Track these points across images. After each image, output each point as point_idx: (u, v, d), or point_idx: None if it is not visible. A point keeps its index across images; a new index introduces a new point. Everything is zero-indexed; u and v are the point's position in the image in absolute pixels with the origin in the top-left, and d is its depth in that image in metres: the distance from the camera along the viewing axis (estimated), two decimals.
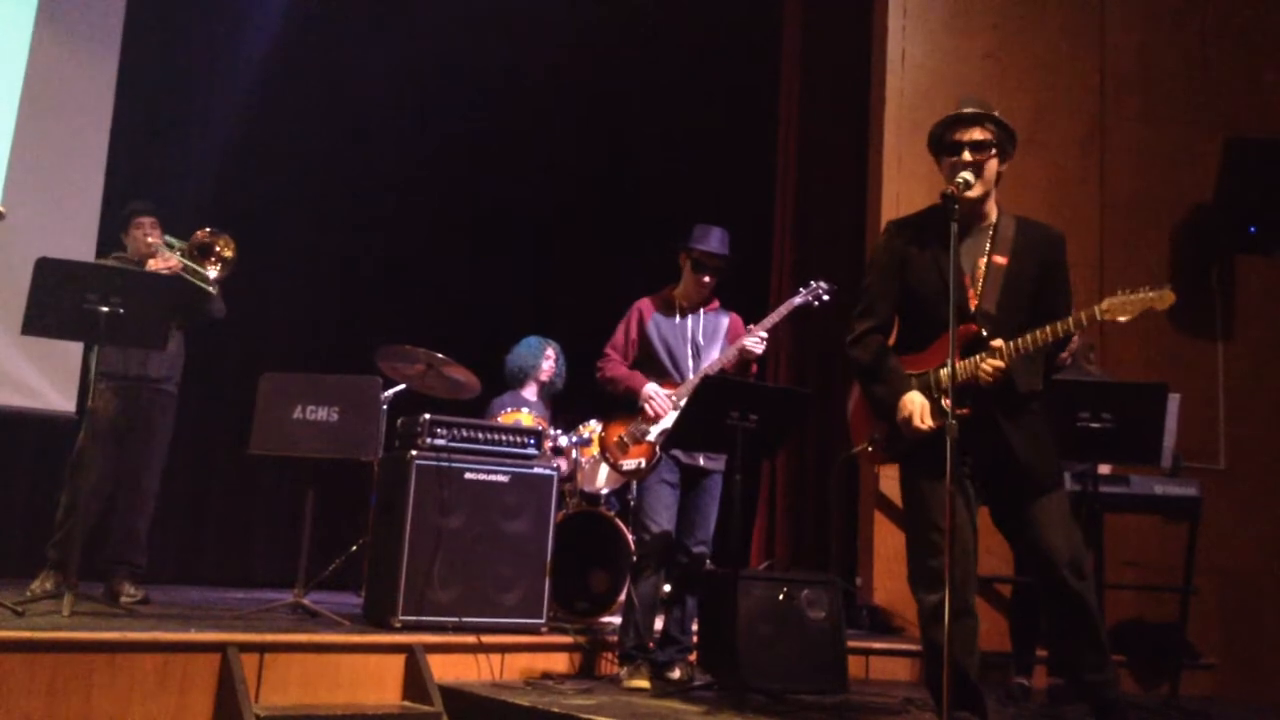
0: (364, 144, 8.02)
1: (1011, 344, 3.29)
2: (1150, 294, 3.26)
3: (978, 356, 3.30)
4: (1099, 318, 3.26)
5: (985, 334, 3.33)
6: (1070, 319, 3.26)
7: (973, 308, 3.37)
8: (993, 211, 3.48)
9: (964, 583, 3.27)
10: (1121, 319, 3.26)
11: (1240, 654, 5.91)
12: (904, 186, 6.48)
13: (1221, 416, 6.31)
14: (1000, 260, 3.40)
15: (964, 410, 3.22)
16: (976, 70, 6.63)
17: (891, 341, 3.59)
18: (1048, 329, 3.26)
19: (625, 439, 4.69)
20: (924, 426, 3.31)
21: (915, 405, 3.35)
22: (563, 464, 5.94)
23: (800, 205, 7.54)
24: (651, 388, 4.63)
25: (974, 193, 3.36)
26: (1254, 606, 6.06)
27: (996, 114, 3.42)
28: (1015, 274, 3.40)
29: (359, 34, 7.98)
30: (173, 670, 3.81)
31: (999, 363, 3.27)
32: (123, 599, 5.00)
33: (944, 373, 3.31)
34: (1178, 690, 4.85)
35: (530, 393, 6.48)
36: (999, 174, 3.45)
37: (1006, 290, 3.38)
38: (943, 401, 3.31)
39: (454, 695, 4.19)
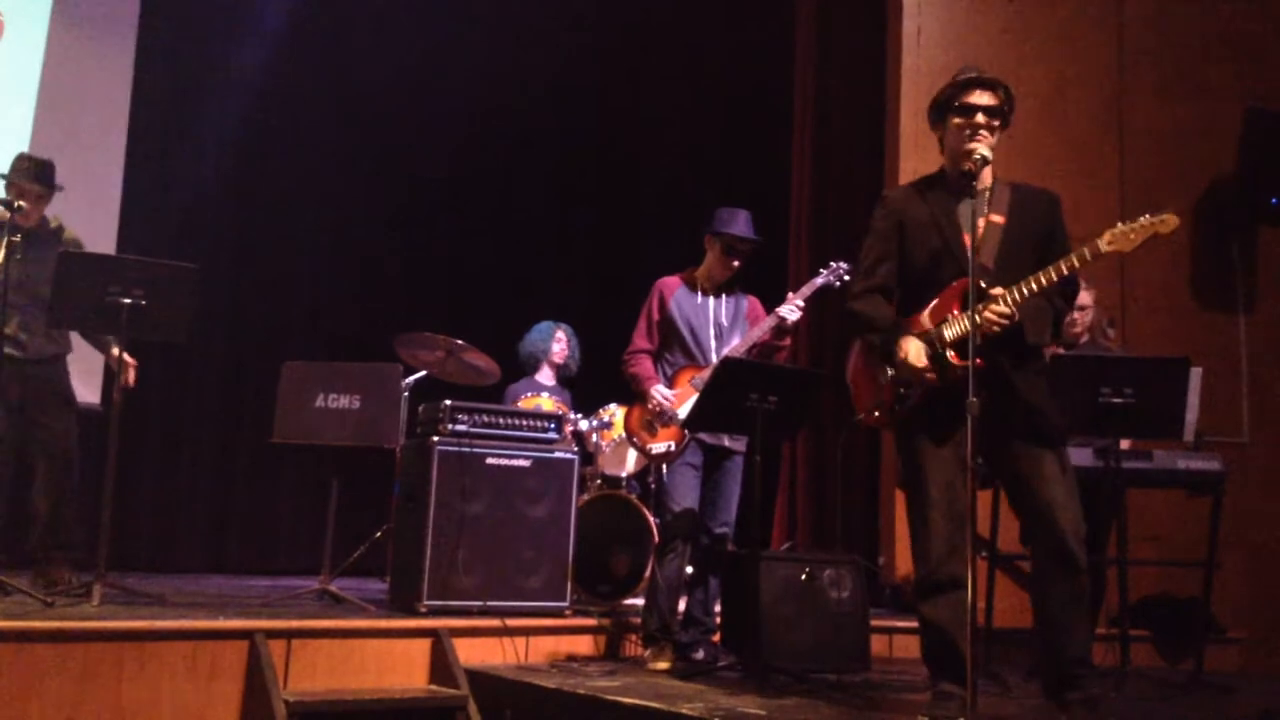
0: (381, 132, 8.04)
1: (1015, 289, 3.30)
2: (1151, 219, 3.21)
3: (979, 307, 3.31)
4: (1102, 250, 3.24)
5: (984, 285, 3.33)
6: (1073, 255, 3.26)
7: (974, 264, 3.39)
8: (988, 178, 3.51)
9: (954, 554, 3.28)
10: (1125, 250, 3.23)
11: (1266, 627, 5.88)
12: (921, 164, 6.42)
13: (1244, 390, 6.26)
14: (997, 219, 3.46)
15: (978, 362, 3.22)
16: (993, 46, 6.58)
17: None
18: (1050, 269, 3.28)
19: (653, 423, 4.70)
20: (920, 365, 3.36)
21: (911, 345, 3.40)
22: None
23: (817, 186, 7.50)
24: (656, 389, 4.66)
25: (983, 151, 3.40)
26: (1279, 579, 6.03)
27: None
28: (1013, 232, 3.45)
29: (376, 24, 7.99)
30: (201, 658, 3.85)
31: (1004, 309, 3.28)
32: (60, 587, 4.67)
33: (945, 329, 3.38)
34: (1203, 665, 4.82)
35: (546, 377, 6.50)
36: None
37: (1004, 246, 3.43)
38: (948, 355, 3.35)
39: (480, 678, 4.22)
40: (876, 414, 3.58)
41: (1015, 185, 3.56)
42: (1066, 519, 3.31)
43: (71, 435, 5.02)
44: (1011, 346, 3.37)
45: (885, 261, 3.58)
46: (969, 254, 3.31)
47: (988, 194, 3.49)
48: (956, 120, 3.47)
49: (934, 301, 3.46)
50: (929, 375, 3.37)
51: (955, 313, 3.40)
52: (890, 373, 3.50)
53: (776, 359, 4.75)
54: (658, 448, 4.70)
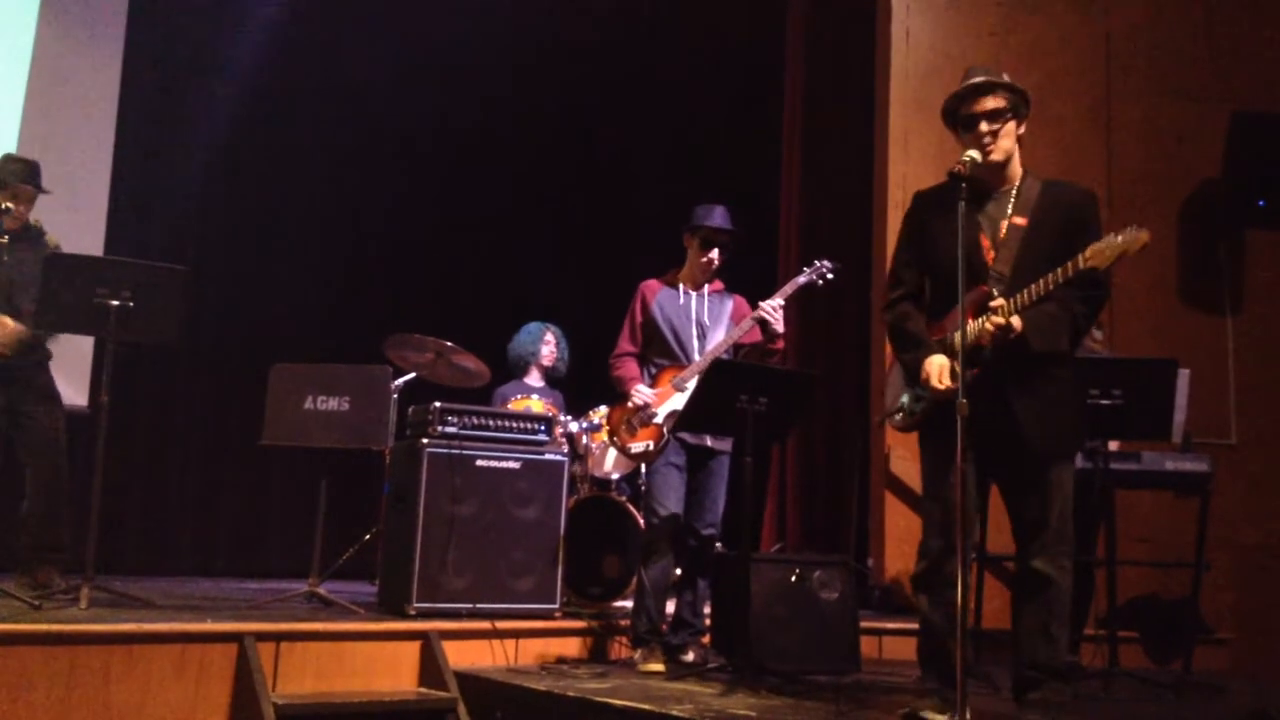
0: (370, 132, 8.02)
1: (1011, 300, 3.30)
2: (1119, 239, 3.16)
3: (984, 317, 3.31)
4: (1081, 266, 3.23)
5: (994, 294, 3.34)
6: (1058, 270, 3.25)
7: (990, 269, 3.40)
8: (1016, 174, 3.49)
9: (950, 552, 3.30)
10: (1100, 266, 3.21)
11: (1253, 628, 5.91)
12: (910, 166, 6.45)
13: (1232, 391, 6.29)
14: (1020, 221, 3.42)
15: (974, 369, 3.25)
16: (981, 48, 6.59)
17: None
18: (1041, 281, 3.26)
19: (633, 422, 4.70)
20: (941, 386, 3.35)
21: (934, 366, 3.40)
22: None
23: (806, 188, 7.52)
24: (637, 389, 4.67)
25: (996, 157, 3.40)
26: (1266, 580, 6.05)
27: (1005, 78, 3.44)
28: (1034, 235, 3.40)
29: (364, 24, 7.97)
30: (190, 660, 3.84)
31: (999, 319, 3.28)
32: (47, 590, 4.62)
33: (956, 336, 3.35)
34: (1191, 665, 4.85)
35: (534, 379, 6.49)
36: (1019, 136, 3.47)
37: (1024, 251, 3.39)
38: (953, 365, 3.35)
39: (469, 681, 4.22)
40: (897, 417, 3.61)
41: (1049, 183, 3.49)
42: (1047, 538, 3.35)
43: (60, 436, 4.97)
44: (1019, 355, 3.34)
45: (910, 266, 3.61)
46: (984, 258, 3.37)
47: (1013, 193, 3.46)
48: (964, 134, 3.47)
49: (953, 310, 3.44)
50: (949, 386, 3.36)
51: (970, 321, 3.40)
52: (903, 383, 3.55)
53: (770, 362, 4.74)
54: (636, 447, 4.71)
